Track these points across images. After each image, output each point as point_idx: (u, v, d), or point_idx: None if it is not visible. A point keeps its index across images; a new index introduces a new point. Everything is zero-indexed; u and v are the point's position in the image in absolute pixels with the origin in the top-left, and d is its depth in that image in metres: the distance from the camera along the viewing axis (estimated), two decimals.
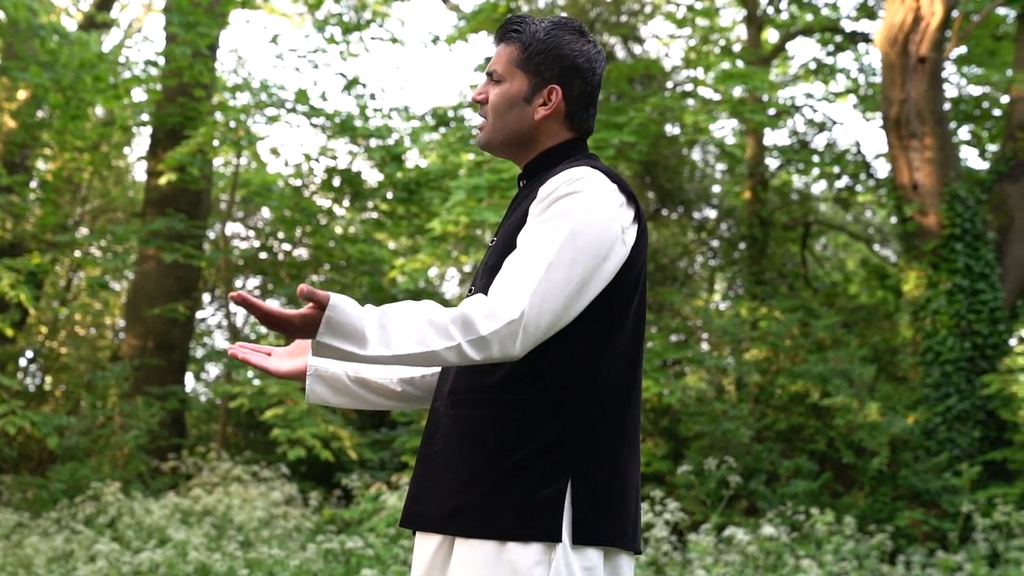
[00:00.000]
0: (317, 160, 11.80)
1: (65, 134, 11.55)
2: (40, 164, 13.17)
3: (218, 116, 10.87)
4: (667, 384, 9.52)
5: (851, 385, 9.53)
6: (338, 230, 13.10)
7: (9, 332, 10.70)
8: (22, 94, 11.18)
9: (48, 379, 13.28)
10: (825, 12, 12.96)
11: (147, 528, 7.27)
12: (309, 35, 14.87)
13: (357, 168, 11.94)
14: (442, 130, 11.66)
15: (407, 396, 2.21)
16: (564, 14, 2.08)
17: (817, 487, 8.81)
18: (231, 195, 11.62)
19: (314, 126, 11.49)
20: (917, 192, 9.68)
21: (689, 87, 12.50)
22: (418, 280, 10.31)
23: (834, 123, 13.38)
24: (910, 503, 8.73)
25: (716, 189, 13.86)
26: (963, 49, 12.21)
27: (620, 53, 12.86)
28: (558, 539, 1.84)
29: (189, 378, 12.49)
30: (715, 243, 13.64)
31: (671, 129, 11.60)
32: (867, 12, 12.73)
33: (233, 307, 12.44)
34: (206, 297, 13.93)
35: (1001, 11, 11.69)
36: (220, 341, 14.37)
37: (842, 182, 13.63)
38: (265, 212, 13.26)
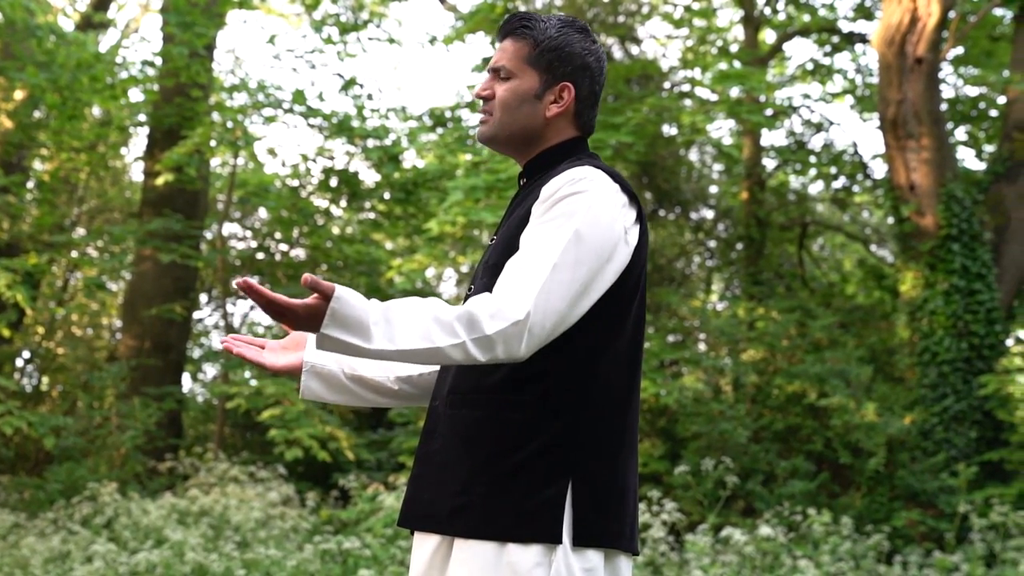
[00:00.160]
0: (314, 160, 11.80)
1: (62, 134, 11.53)
2: (37, 164, 13.15)
3: (215, 116, 10.86)
4: (664, 384, 9.51)
5: (848, 385, 9.53)
6: (335, 230, 13.09)
7: (6, 332, 10.70)
8: (19, 94, 11.16)
9: (45, 379, 13.27)
10: (822, 13, 12.98)
11: (144, 528, 7.25)
12: (306, 35, 14.88)
13: (354, 168, 11.93)
14: (439, 130, 11.65)
15: (404, 394, 2.19)
16: (561, 14, 2.07)
17: (814, 487, 8.82)
18: (228, 195, 11.61)
19: (311, 126, 11.48)
20: (914, 192, 9.68)
21: (686, 87, 12.49)
22: (415, 281, 10.29)
23: (831, 124, 13.37)
24: (907, 503, 8.74)
25: (713, 189, 13.87)
26: (960, 50, 12.21)
27: (617, 53, 12.86)
28: (558, 540, 1.83)
29: (186, 378, 12.47)
30: (712, 243, 13.66)
31: (668, 129, 11.59)
32: (864, 13, 12.74)
33: (230, 307, 12.44)
34: (203, 298, 13.92)
35: (998, 12, 11.70)
36: (217, 342, 14.36)
37: (839, 182, 13.63)
38: (262, 212, 13.24)
